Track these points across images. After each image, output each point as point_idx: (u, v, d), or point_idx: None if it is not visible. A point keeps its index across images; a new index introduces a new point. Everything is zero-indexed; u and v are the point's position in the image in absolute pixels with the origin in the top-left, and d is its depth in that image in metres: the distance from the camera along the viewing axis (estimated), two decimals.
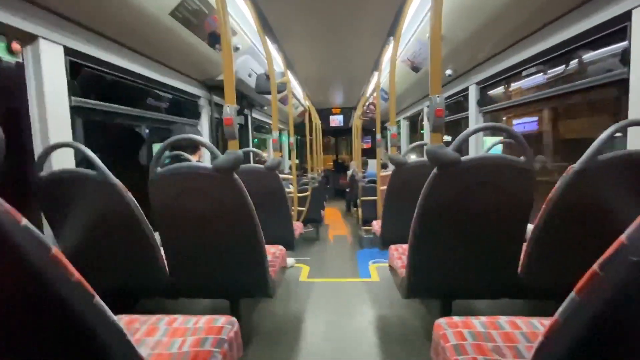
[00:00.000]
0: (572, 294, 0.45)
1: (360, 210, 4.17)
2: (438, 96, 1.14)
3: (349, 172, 6.34)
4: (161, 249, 1.41)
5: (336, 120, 8.01)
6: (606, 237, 1.22)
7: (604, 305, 0.42)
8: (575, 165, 1.11)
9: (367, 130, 7.58)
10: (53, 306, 0.47)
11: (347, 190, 6.38)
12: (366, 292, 2.49)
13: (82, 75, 1.71)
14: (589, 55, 1.75)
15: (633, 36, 1.34)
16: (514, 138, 1.20)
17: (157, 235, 1.38)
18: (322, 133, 6.94)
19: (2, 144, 0.44)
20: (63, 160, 1.47)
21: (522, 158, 1.17)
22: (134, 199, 1.29)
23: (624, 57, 1.42)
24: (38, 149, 1.46)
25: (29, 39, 1.39)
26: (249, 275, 1.45)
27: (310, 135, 5.00)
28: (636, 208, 1.15)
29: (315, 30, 2.90)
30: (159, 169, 1.28)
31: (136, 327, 1.02)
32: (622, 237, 0.40)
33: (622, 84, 1.42)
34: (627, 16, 1.35)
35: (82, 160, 1.62)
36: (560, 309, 0.47)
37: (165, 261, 1.42)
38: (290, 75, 3.73)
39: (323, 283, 2.74)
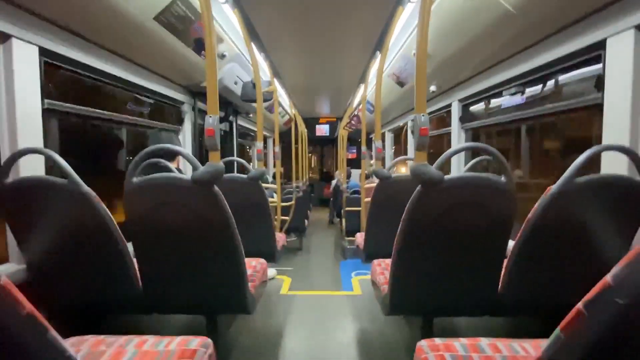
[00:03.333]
0: (557, 331, 0.45)
1: (344, 221, 4.15)
2: (423, 115, 1.14)
3: (333, 182, 6.34)
4: (134, 261, 1.34)
5: (322, 129, 8.04)
6: (582, 257, 1.24)
7: (588, 346, 0.41)
8: (553, 187, 1.13)
9: (352, 140, 7.64)
10: (3, 343, 0.43)
11: (331, 199, 6.37)
12: (348, 306, 2.46)
13: (59, 77, 1.64)
14: (566, 79, 1.81)
15: (607, 63, 1.40)
16: (495, 157, 1.22)
17: (130, 247, 1.32)
18: (308, 142, 6.93)
19: None
20: (33, 167, 1.39)
21: (502, 178, 1.19)
22: (107, 209, 1.22)
23: (599, 83, 1.48)
24: (5, 154, 1.38)
25: (0, 37, 1.32)
26: (227, 291, 1.39)
27: (296, 143, 4.99)
28: (610, 229, 1.19)
29: (303, 40, 2.91)
30: (135, 179, 1.23)
31: (102, 349, 0.95)
32: (608, 278, 0.39)
33: (598, 109, 1.48)
34: (602, 44, 1.42)
35: (53, 166, 1.54)
36: (546, 346, 0.46)
37: (138, 275, 1.35)
38: (277, 84, 3.72)
39: (304, 296, 2.69)
